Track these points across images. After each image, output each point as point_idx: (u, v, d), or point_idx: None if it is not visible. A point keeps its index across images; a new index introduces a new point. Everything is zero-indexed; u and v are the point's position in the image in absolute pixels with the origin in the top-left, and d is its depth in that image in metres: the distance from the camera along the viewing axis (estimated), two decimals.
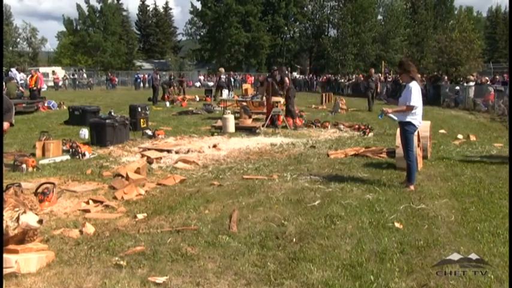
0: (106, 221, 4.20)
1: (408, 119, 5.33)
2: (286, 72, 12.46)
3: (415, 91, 5.26)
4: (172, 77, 26.49)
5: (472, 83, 18.59)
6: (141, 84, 38.98)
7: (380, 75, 30.79)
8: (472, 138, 9.65)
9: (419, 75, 5.68)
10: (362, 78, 31.73)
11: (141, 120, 10.63)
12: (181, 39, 67.22)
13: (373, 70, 19.16)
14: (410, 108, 5.25)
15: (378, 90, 18.62)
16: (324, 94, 22.93)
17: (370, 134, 10.16)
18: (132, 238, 3.75)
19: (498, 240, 3.69)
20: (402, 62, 5.58)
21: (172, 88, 23.04)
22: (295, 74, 47.83)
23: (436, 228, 4.00)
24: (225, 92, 16.22)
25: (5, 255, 2.98)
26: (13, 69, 22.72)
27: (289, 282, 2.98)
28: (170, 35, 67.52)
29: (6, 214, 3.12)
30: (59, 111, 15.84)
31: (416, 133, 6.41)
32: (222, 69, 22.84)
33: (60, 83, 37.44)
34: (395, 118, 5.51)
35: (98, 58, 50.74)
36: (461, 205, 4.69)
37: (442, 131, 10.89)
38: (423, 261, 3.29)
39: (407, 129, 5.37)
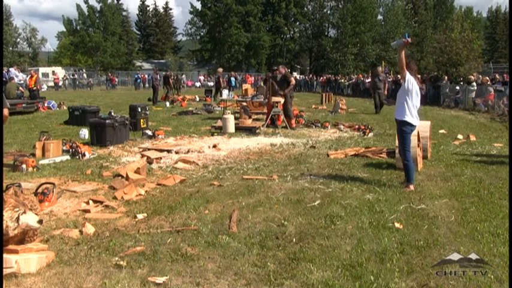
0: (106, 221, 4.20)
1: (405, 118, 5.34)
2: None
3: (414, 83, 5.35)
4: (172, 76, 26.51)
5: (474, 84, 18.47)
6: (142, 85, 38.98)
7: (388, 74, 29.76)
8: (472, 138, 9.65)
9: (419, 76, 5.74)
10: (362, 78, 31.74)
11: (141, 120, 10.63)
12: (181, 39, 67.34)
13: (380, 68, 17.36)
14: (403, 70, 5.28)
15: (385, 91, 16.25)
16: (324, 94, 22.96)
17: (370, 134, 10.16)
18: (132, 238, 3.75)
19: (498, 240, 3.69)
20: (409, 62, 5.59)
21: (170, 82, 22.69)
22: (295, 74, 47.83)
23: (436, 228, 4.00)
24: (225, 92, 16.22)
25: (5, 255, 2.98)
26: (11, 69, 22.69)
27: (289, 282, 2.99)
28: (170, 35, 67.57)
29: (6, 214, 3.13)
30: (59, 111, 15.84)
31: (416, 133, 6.43)
32: (220, 69, 22.61)
33: (60, 83, 37.44)
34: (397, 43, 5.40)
35: (98, 58, 50.76)
36: (461, 205, 4.70)
37: (442, 131, 10.89)
38: (423, 261, 3.29)
39: (404, 129, 5.41)
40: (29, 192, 4.70)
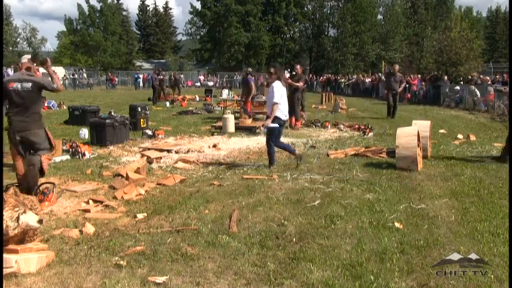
0: (106, 221, 4.21)
1: (278, 114, 6.28)
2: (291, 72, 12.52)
3: (277, 90, 6.33)
4: (172, 77, 26.38)
5: (474, 85, 18.33)
6: (141, 84, 38.90)
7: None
8: (472, 138, 9.65)
9: (286, 77, 6.86)
10: (363, 78, 31.70)
11: (141, 120, 10.63)
12: (181, 39, 67.26)
13: (397, 66, 15.11)
14: (276, 105, 6.27)
15: (399, 91, 14.26)
16: (324, 94, 22.94)
17: (370, 134, 10.16)
18: (132, 238, 3.75)
19: (498, 240, 3.69)
20: (274, 66, 6.79)
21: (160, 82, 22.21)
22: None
23: (436, 228, 4.00)
24: (225, 92, 16.19)
25: (5, 255, 2.99)
26: (8, 70, 22.65)
27: (289, 282, 2.99)
28: (170, 35, 67.50)
29: (6, 214, 3.13)
30: (59, 111, 15.84)
31: (416, 133, 6.44)
32: (249, 70, 21.45)
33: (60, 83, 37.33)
34: (273, 125, 6.37)
35: (98, 58, 50.71)
36: (461, 205, 4.70)
37: (442, 131, 10.89)
38: (423, 261, 3.30)
39: (275, 122, 6.31)
40: None
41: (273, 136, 6.42)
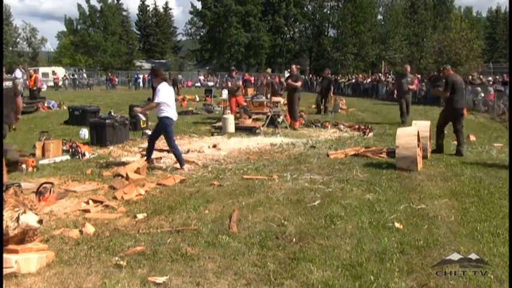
0: (106, 221, 4.21)
1: (164, 114, 6.34)
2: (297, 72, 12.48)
3: (163, 91, 6.33)
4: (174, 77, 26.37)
5: (471, 85, 18.30)
6: (141, 84, 38.90)
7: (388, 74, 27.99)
8: (472, 138, 9.64)
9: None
10: (363, 78, 31.67)
11: (141, 120, 10.62)
12: (181, 39, 67.28)
13: (408, 67, 13.46)
14: (157, 105, 6.32)
15: (408, 89, 12.53)
16: None
17: (370, 134, 10.16)
18: (132, 238, 3.75)
19: (498, 240, 3.69)
20: (154, 69, 7.08)
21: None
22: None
23: (436, 228, 4.00)
24: (225, 92, 16.15)
25: (5, 255, 2.99)
26: (16, 70, 22.62)
27: (289, 282, 2.99)
28: (170, 35, 67.51)
29: (6, 214, 3.13)
30: (59, 111, 15.82)
31: (416, 133, 6.44)
32: (269, 70, 20.57)
33: (60, 83, 37.36)
34: (144, 118, 7.04)
35: (98, 58, 50.73)
36: (461, 205, 4.70)
37: None
38: (423, 261, 3.30)
39: (166, 122, 6.38)
40: (29, 192, 4.70)
41: (170, 134, 6.50)
